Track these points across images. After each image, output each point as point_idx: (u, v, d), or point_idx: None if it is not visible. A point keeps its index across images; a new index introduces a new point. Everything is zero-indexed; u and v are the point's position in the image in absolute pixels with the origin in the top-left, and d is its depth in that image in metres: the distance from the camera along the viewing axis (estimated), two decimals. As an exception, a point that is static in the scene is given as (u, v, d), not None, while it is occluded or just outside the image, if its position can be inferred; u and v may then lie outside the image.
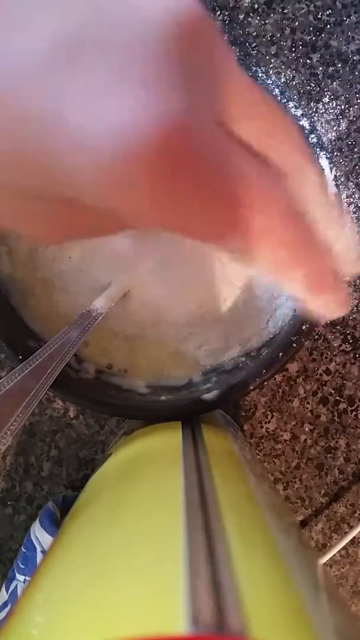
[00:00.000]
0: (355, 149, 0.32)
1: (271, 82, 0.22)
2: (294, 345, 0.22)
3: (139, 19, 0.10)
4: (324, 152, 0.22)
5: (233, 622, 0.09)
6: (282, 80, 0.32)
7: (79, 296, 0.27)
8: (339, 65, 0.31)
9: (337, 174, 0.30)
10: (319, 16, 0.31)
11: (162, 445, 0.20)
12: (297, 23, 0.31)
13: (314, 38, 0.31)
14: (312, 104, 0.32)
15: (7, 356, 0.23)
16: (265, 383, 0.26)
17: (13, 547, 0.34)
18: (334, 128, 0.32)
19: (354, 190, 0.32)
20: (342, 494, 0.34)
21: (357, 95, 0.31)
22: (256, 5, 0.31)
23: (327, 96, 0.31)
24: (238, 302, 0.27)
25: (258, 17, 0.31)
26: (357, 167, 0.32)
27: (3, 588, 0.30)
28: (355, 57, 0.31)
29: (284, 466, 0.34)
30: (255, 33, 0.31)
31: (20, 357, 0.22)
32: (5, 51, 0.09)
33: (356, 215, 0.32)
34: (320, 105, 0.32)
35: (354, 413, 0.33)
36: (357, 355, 0.33)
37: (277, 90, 0.22)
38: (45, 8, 0.10)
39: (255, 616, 0.09)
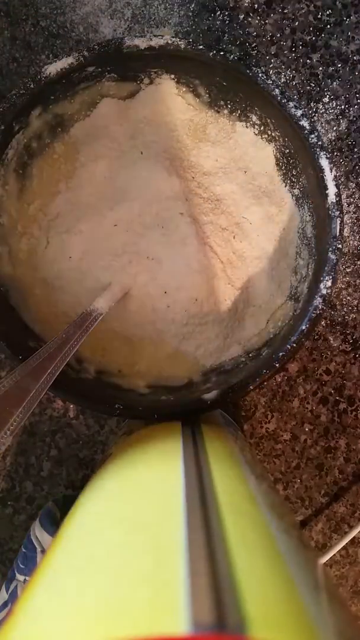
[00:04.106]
0: (355, 149, 0.32)
1: (271, 82, 0.22)
2: (294, 345, 0.22)
3: None
4: (324, 152, 0.22)
5: (233, 622, 0.09)
6: (282, 80, 0.32)
7: (79, 296, 0.27)
8: (339, 65, 0.31)
9: (337, 174, 0.30)
10: (319, 16, 0.31)
11: (162, 445, 0.20)
12: (297, 23, 0.31)
13: (314, 38, 0.31)
14: (312, 104, 0.32)
15: (7, 356, 0.23)
16: (265, 383, 0.26)
17: (13, 547, 0.34)
18: (334, 128, 0.32)
19: (354, 190, 0.32)
20: (342, 494, 0.34)
21: (357, 95, 0.31)
22: (256, 5, 0.31)
23: (327, 96, 0.31)
24: (238, 302, 0.27)
25: (258, 17, 0.31)
26: (357, 167, 0.32)
27: (3, 588, 0.30)
28: (355, 57, 0.31)
29: (284, 466, 0.34)
30: (255, 33, 0.31)
31: (20, 357, 0.22)
32: None
33: (356, 216, 0.32)
34: (320, 105, 0.32)
35: (354, 413, 0.33)
36: (357, 355, 0.33)
37: (277, 90, 0.22)
38: None
39: (255, 616, 0.09)
